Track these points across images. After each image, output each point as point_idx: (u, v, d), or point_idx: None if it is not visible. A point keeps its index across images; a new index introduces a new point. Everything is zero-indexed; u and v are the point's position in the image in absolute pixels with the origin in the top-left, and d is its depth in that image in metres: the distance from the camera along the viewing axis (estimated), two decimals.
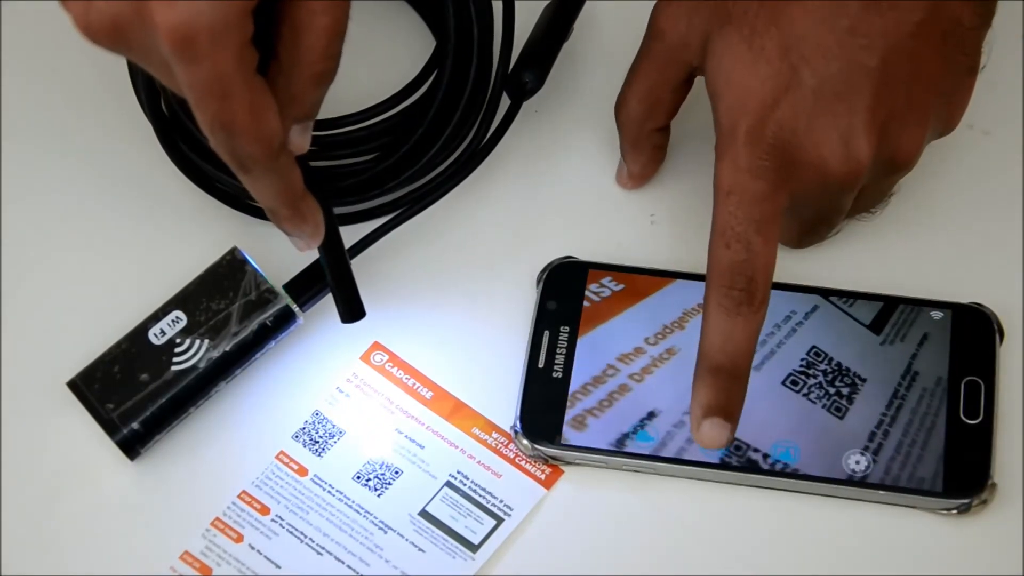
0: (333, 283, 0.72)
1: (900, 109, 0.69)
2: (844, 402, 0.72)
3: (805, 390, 0.73)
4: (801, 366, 0.73)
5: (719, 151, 0.69)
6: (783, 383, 0.73)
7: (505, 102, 0.79)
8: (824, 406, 0.72)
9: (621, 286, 0.76)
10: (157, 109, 0.78)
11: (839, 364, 0.73)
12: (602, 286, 0.76)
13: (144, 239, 0.79)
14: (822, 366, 0.73)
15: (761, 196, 0.68)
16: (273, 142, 0.62)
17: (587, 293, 0.76)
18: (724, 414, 0.69)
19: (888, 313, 0.75)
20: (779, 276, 0.75)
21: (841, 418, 0.72)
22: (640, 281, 0.76)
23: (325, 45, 0.62)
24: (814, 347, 0.74)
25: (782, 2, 0.68)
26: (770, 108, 0.68)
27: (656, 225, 0.78)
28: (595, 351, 0.74)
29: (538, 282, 0.77)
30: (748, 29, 0.68)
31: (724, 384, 0.69)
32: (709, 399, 0.69)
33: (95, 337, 0.75)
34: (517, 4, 0.78)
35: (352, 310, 0.73)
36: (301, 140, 0.65)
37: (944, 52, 0.69)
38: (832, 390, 0.73)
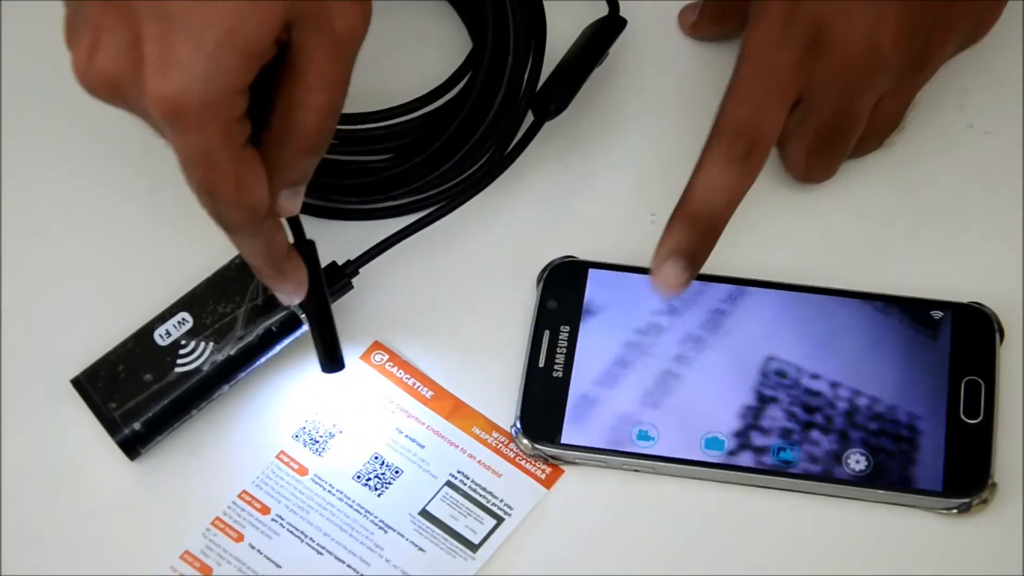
0: (315, 335, 0.72)
1: (931, 13, 0.71)
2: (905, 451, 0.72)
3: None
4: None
5: (753, 18, 0.71)
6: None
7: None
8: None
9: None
10: None
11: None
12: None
13: (153, 240, 0.79)
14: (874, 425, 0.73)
15: (782, 66, 0.70)
16: (257, 211, 0.63)
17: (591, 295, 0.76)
18: (688, 259, 0.70)
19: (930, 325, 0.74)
20: (779, 276, 0.76)
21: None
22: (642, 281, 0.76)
23: (318, 121, 0.62)
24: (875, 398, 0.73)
25: None
26: None
27: (656, 225, 0.78)
28: (598, 351, 0.75)
29: (538, 282, 0.77)
30: None
31: (698, 233, 0.70)
32: (680, 242, 0.70)
33: (101, 335, 0.75)
34: (553, 17, 0.79)
35: (332, 361, 0.73)
36: (291, 204, 0.66)
37: None
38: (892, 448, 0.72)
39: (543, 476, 0.73)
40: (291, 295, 0.70)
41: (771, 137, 0.71)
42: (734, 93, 0.70)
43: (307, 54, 0.61)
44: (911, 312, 0.74)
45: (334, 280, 0.74)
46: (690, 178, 0.71)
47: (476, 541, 0.72)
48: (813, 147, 0.76)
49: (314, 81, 0.61)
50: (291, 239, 0.69)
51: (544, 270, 0.77)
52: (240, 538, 0.72)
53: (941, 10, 0.72)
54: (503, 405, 0.75)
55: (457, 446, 0.74)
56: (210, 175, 0.61)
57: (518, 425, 0.73)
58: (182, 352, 0.73)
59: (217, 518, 0.73)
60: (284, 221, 0.68)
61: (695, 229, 0.70)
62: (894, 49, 0.71)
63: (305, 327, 0.75)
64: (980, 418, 0.72)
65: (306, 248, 0.70)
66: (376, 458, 0.74)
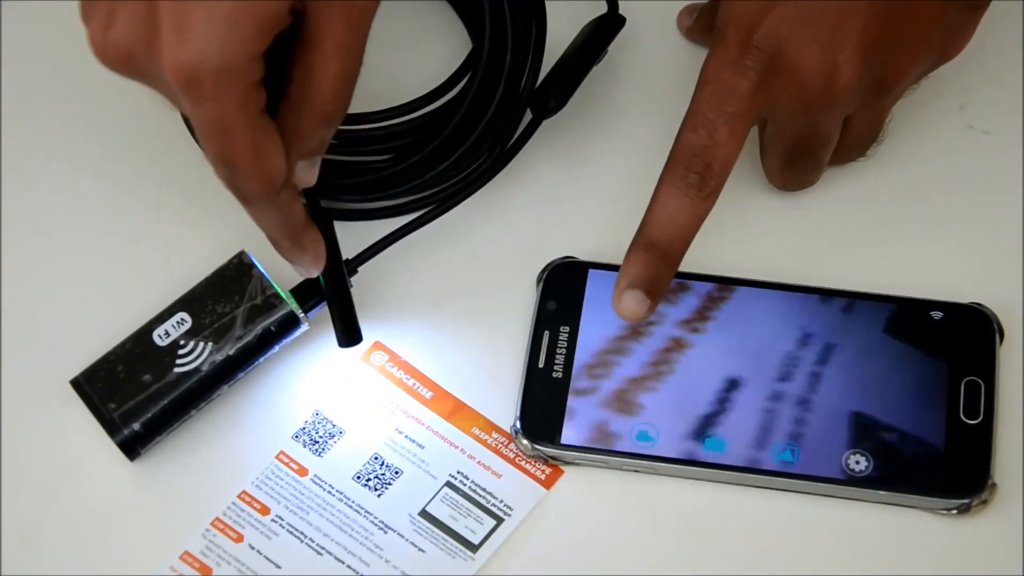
0: (333, 309, 0.73)
1: (892, 34, 0.70)
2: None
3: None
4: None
5: (711, 46, 0.71)
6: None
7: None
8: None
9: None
10: None
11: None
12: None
13: (152, 239, 0.79)
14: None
15: (738, 92, 0.70)
16: (274, 180, 0.63)
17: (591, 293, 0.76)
18: (647, 290, 0.70)
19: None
20: (779, 276, 0.76)
21: None
22: None
23: (335, 89, 0.62)
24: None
25: None
26: (763, 14, 0.70)
27: None
28: (597, 350, 0.75)
29: (538, 282, 0.77)
30: None
31: (654, 261, 0.70)
32: (636, 272, 0.70)
33: (100, 336, 0.75)
34: (552, 14, 0.79)
35: (350, 335, 0.73)
36: (308, 175, 0.66)
37: None
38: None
39: (543, 476, 0.73)
40: (309, 268, 0.70)
41: (727, 163, 0.70)
42: (690, 119, 0.70)
43: (322, 21, 0.61)
44: (911, 312, 0.74)
45: None
46: (648, 205, 0.71)
47: (476, 541, 0.72)
48: (784, 162, 0.76)
49: (330, 48, 0.61)
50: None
51: (544, 270, 0.77)
52: (240, 539, 0.72)
53: (903, 33, 0.70)
54: (503, 405, 0.75)
55: (457, 447, 0.74)
56: (227, 144, 0.61)
57: (518, 425, 0.73)
58: (181, 352, 0.73)
59: (217, 518, 0.73)
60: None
61: (651, 258, 0.70)
62: (853, 74, 0.70)
63: (305, 327, 0.75)
64: (980, 418, 0.72)
65: (323, 220, 0.71)
66: (376, 458, 0.74)
